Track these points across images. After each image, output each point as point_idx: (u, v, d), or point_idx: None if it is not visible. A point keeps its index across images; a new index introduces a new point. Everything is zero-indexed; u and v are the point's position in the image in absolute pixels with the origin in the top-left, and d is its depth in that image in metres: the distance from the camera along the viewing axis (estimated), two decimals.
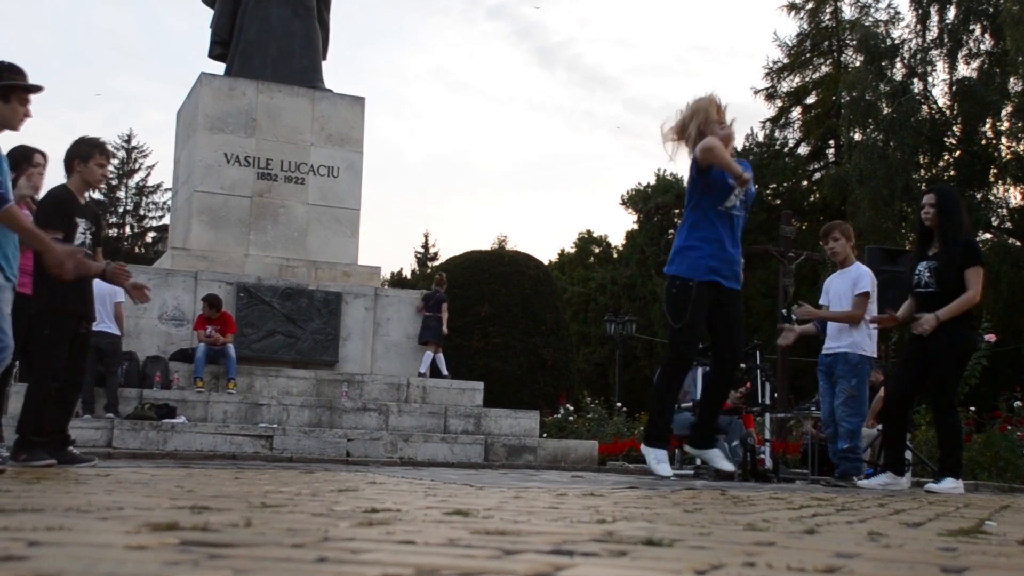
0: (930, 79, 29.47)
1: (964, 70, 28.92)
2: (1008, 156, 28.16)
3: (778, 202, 34.83)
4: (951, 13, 28.71)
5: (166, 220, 37.70)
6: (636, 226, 38.14)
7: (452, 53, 77.04)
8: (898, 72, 29.16)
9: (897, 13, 31.45)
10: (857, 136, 29.06)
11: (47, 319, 5.65)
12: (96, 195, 41.51)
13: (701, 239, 5.84)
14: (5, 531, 1.76)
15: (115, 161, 42.47)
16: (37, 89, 4.91)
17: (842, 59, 34.44)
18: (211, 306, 11.50)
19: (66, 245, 5.40)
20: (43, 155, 6.07)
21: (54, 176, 6.31)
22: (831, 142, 35.84)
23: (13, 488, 3.29)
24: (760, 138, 36.64)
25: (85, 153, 5.90)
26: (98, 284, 10.38)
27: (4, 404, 9.66)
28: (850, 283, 7.31)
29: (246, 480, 4.47)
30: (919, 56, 29.11)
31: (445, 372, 13.51)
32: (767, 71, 35.97)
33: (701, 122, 5.83)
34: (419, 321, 13.26)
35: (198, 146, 13.13)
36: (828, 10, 35.14)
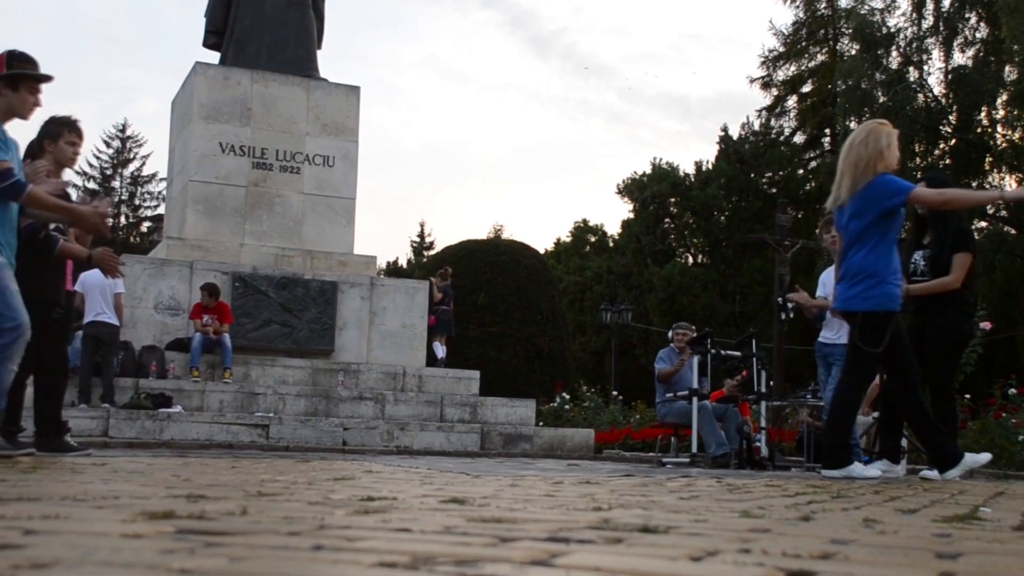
0: (926, 67, 29.48)
1: (960, 58, 28.95)
2: (1003, 144, 28.19)
3: (774, 191, 34.82)
4: (947, 1, 28.69)
5: (161, 210, 37.65)
6: (632, 215, 38.09)
7: (446, 42, 76.90)
8: (894, 60, 29.14)
9: (893, 1, 31.43)
10: (853, 125, 28.99)
11: None
12: (91, 184, 41.42)
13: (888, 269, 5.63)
14: (1, 520, 1.76)
15: (110, 151, 42.37)
16: (47, 79, 4.93)
17: (838, 48, 34.40)
18: (210, 294, 11.50)
19: (85, 207, 5.39)
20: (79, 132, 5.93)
21: None
22: (827, 131, 35.82)
23: (9, 477, 3.29)
24: (756, 127, 36.62)
25: (54, 132, 5.72)
26: (98, 275, 10.42)
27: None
28: None
29: (242, 469, 4.47)
30: (915, 44, 29.09)
31: (441, 357, 14.18)
32: (763, 60, 35.94)
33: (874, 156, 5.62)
34: (415, 310, 13.26)
35: (193, 135, 13.08)
36: None
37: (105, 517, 1.90)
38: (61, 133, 5.74)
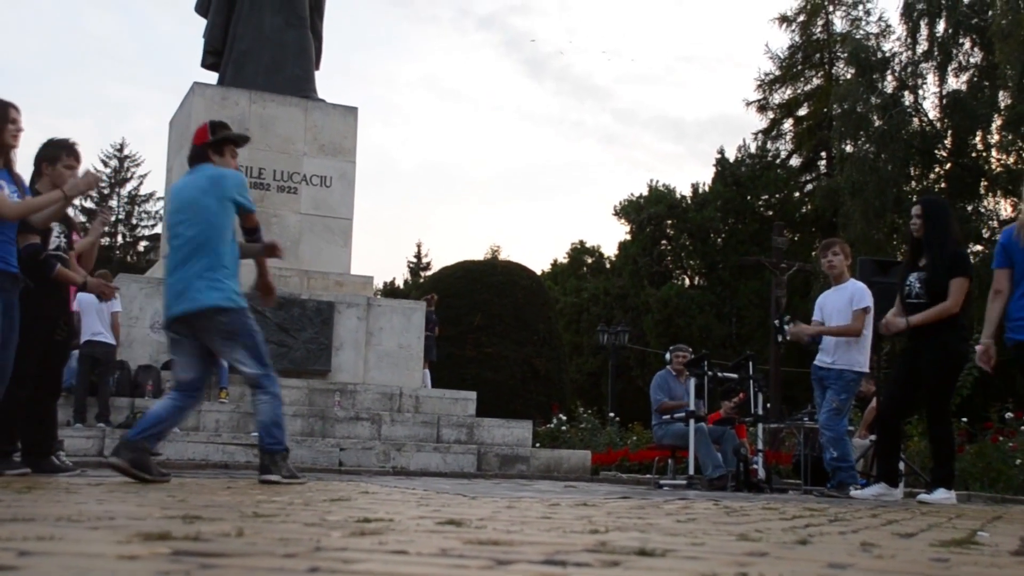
0: (920, 92, 29.66)
1: (954, 83, 29.13)
2: (998, 168, 28.32)
3: (770, 213, 34.93)
4: (941, 26, 28.91)
5: (158, 229, 37.63)
6: (629, 236, 38.17)
7: (442, 62, 77.23)
8: (889, 85, 29.32)
9: (888, 26, 31.67)
10: (848, 148, 29.20)
11: (21, 325, 5.59)
12: (87, 203, 41.45)
13: None
14: None
15: (107, 170, 42.40)
16: (245, 140, 5.52)
17: (833, 71, 34.64)
18: None
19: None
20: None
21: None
22: (823, 154, 36.01)
23: (3, 497, 3.27)
24: (752, 149, 36.78)
25: (52, 155, 5.74)
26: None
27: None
28: (847, 298, 7.36)
29: (238, 490, 4.45)
30: (910, 69, 29.29)
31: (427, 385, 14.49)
32: (759, 83, 36.17)
33: None
34: (411, 331, 13.28)
35: None
36: (819, 23, 35.35)
37: (100, 538, 1.89)
38: (59, 156, 5.76)
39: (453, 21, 76.01)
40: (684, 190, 37.52)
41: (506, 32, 75.04)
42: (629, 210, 37.85)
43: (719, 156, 36.67)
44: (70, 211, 6.07)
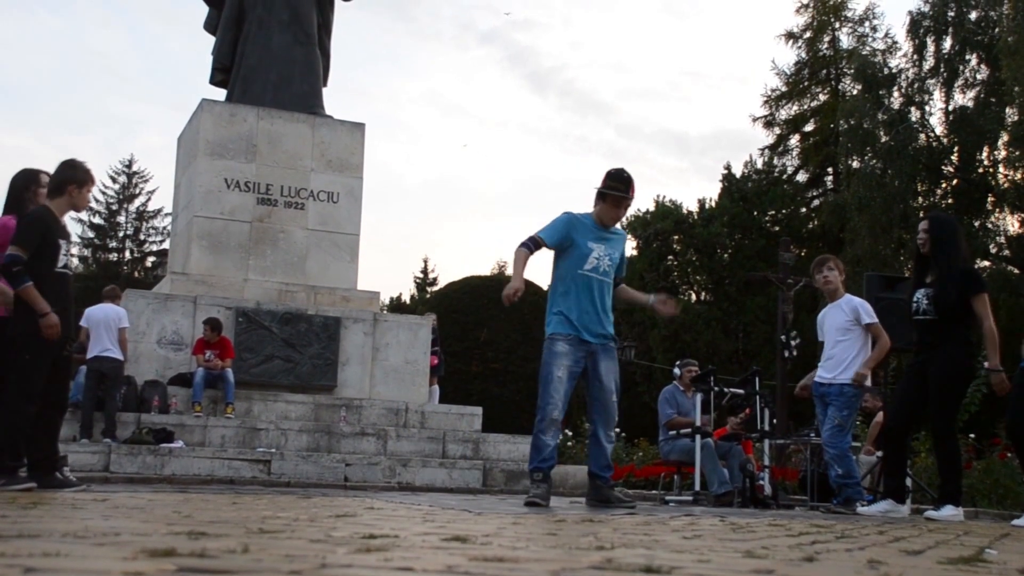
0: (927, 108, 29.67)
1: (961, 99, 29.16)
2: (1005, 184, 28.28)
3: (776, 229, 34.90)
4: (948, 43, 28.96)
5: (166, 245, 37.73)
6: (635, 252, 38.15)
7: (446, 78, 77.34)
8: (895, 101, 29.36)
9: (894, 42, 31.76)
10: (855, 164, 29.21)
11: (28, 343, 5.62)
12: (97, 220, 41.59)
13: None
14: (2, 557, 1.75)
15: (116, 186, 42.59)
16: (624, 200, 6.11)
17: (840, 88, 34.68)
18: (212, 329, 11.49)
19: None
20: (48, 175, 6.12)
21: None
22: (829, 170, 35.99)
23: (10, 513, 3.27)
24: (759, 165, 36.78)
25: (82, 179, 5.93)
26: (103, 310, 10.47)
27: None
28: (847, 314, 7.34)
29: (244, 505, 4.44)
30: (916, 85, 29.32)
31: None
32: (765, 99, 36.22)
33: None
34: (418, 346, 13.29)
35: (199, 171, 13.17)
36: (826, 39, 35.42)
37: (106, 555, 1.89)
38: (87, 181, 5.98)
39: (455, 37, 76.23)
40: (690, 205, 37.55)
41: (508, 48, 75.26)
42: (635, 225, 37.81)
43: (726, 172, 36.68)
44: (79, 228, 6.17)
